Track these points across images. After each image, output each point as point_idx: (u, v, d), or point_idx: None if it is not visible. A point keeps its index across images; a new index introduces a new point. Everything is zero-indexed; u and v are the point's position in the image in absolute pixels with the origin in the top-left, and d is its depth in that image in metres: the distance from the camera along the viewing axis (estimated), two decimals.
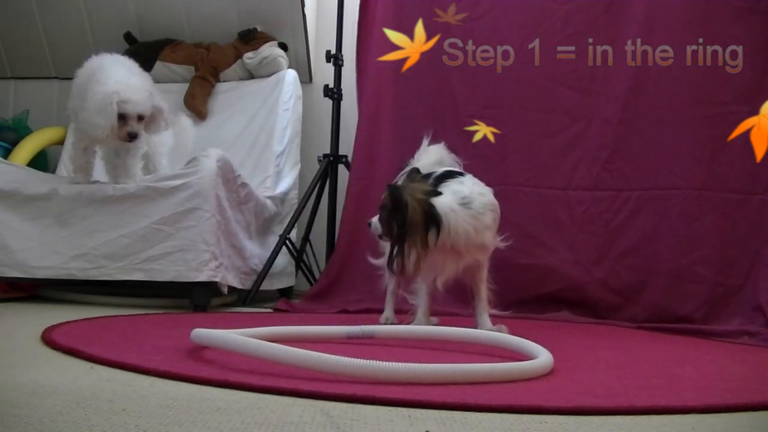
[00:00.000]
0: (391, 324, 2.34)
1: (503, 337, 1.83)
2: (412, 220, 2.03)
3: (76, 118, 2.85)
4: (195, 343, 1.63)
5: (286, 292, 3.40)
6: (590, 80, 3.00)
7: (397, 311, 2.44)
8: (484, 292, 2.23)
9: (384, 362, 1.36)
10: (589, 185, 2.95)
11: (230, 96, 3.71)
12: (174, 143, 3.20)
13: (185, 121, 3.41)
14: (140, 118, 2.73)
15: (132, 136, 2.71)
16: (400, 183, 2.21)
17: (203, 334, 1.60)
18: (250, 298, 3.01)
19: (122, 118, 2.69)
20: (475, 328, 2.14)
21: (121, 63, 2.87)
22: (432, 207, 2.04)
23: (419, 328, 2.08)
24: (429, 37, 3.19)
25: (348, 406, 1.19)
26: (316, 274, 3.37)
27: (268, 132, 3.53)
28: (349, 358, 1.35)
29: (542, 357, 1.56)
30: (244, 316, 2.72)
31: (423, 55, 3.18)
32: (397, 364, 1.36)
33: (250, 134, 3.57)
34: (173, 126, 3.24)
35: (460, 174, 2.26)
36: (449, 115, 3.10)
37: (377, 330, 1.91)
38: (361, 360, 1.35)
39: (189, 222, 2.66)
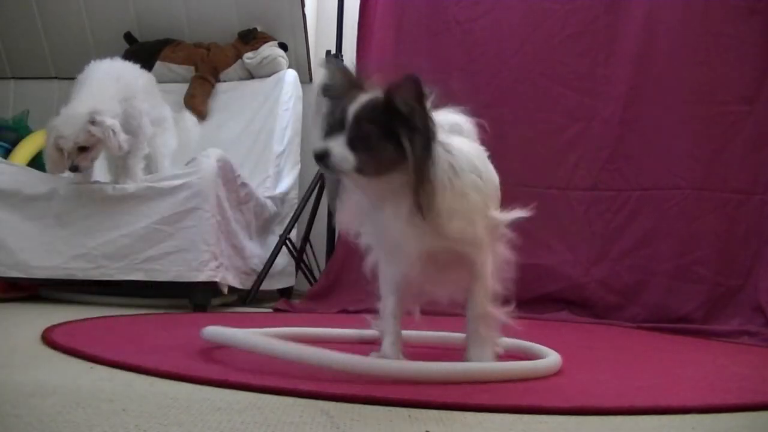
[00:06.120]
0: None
1: (518, 342, 1.78)
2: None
3: None
4: (208, 341, 1.64)
5: (286, 292, 3.40)
6: (590, 80, 3.00)
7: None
8: (482, 305, 1.54)
9: (401, 362, 1.43)
10: (589, 185, 2.95)
11: (230, 96, 3.71)
12: (178, 142, 3.20)
13: (189, 119, 3.41)
14: (82, 149, 2.68)
15: (73, 169, 2.70)
16: None
17: (217, 332, 1.61)
18: (250, 298, 3.01)
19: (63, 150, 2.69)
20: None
21: (99, 78, 2.82)
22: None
23: (429, 333, 1.80)
24: (429, 37, 3.19)
25: (348, 406, 1.19)
26: (316, 274, 3.37)
27: (268, 132, 3.53)
28: (362, 357, 1.38)
29: (551, 357, 1.58)
30: (244, 316, 2.72)
31: (423, 54, 3.19)
32: (412, 363, 1.41)
33: (250, 134, 3.57)
34: (177, 125, 3.24)
35: None
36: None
37: None
38: (383, 360, 1.42)
39: (189, 222, 2.66)
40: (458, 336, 1.62)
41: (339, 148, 1.33)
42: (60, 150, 2.68)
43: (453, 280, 1.55)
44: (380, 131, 1.34)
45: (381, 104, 1.35)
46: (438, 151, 1.36)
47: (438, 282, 1.55)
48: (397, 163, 1.35)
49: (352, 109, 1.35)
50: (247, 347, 1.51)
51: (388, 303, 1.55)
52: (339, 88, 1.41)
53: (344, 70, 1.43)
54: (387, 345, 1.52)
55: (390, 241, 1.42)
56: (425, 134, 1.34)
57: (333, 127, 1.37)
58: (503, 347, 1.62)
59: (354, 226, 1.47)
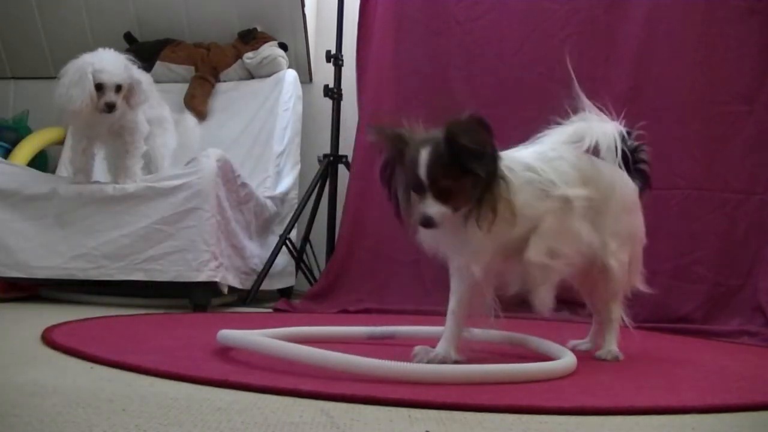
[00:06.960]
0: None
1: (526, 337, 1.81)
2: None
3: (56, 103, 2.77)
4: (221, 344, 1.64)
5: (286, 292, 3.40)
6: (590, 80, 2.99)
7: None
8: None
9: (425, 365, 1.47)
10: None
11: (230, 96, 3.71)
12: (179, 142, 3.20)
13: (190, 120, 3.41)
14: (118, 89, 2.69)
15: (110, 107, 2.67)
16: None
17: (230, 335, 1.62)
18: (250, 298, 3.01)
19: (99, 89, 2.66)
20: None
21: (104, 51, 2.81)
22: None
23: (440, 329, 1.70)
24: (429, 37, 3.19)
25: (348, 406, 1.19)
26: (316, 274, 3.37)
27: (268, 132, 3.53)
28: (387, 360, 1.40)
29: (566, 358, 1.61)
30: (244, 316, 2.72)
31: (423, 54, 3.19)
32: (430, 366, 1.46)
33: (250, 134, 3.57)
34: (178, 125, 3.24)
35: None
36: (449, 115, 3.09)
37: (398, 331, 1.93)
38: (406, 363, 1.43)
39: (189, 222, 2.66)
40: None
41: (433, 209, 1.49)
42: (98, 86, 2.65)
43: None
44: (453, 177, 1.50)
45: (443, 151, 1.50)
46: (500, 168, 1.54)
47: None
48: (474, 188, 1.51)
49: (422, 171, 1.49)
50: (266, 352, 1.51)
51: (459, 288, 1.65)
52: (391, 148, 1.58)
53: (386, 133, 1.59)
54: (444, 341, 1.61)
55: (469, 249, 1.57)
56: (494, 161, 1.52)
57: (416, 189, 1.53)
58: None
59: (436, 245, 1.61)
